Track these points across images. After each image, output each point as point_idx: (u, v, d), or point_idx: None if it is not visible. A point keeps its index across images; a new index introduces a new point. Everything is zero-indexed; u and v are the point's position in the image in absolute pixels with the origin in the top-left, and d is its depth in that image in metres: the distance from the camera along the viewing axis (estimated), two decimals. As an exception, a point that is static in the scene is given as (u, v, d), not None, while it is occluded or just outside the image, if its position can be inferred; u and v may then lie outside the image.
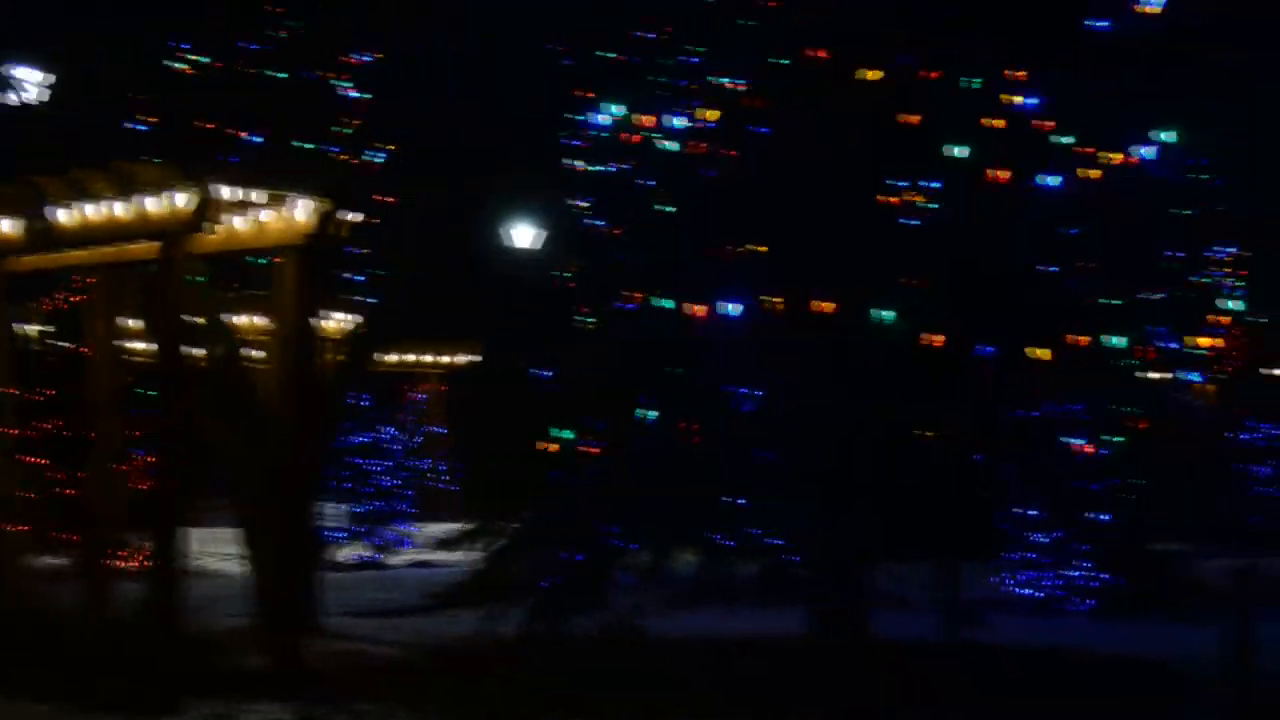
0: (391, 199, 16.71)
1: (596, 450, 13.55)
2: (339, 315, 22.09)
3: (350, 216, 15.90)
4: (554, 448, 13.51)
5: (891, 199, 13.13)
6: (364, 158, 16.26)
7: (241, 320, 19.82)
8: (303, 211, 15.04)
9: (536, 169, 16.19)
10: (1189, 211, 14.02)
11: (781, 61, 13.67)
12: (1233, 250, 14.48)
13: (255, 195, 14.98)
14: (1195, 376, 14.16)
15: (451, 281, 20.38)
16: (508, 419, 14.78)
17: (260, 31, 16.35)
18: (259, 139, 15.45)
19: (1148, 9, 13.51)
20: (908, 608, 13.67)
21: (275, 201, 15.08)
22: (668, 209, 13.81)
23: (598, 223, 14.31)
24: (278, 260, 15.66)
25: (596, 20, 14.61)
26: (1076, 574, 17.72)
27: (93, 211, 15.43)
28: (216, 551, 24.15)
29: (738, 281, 13.25)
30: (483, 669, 13.34)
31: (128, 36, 17.07)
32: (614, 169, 14.17)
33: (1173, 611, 13.36)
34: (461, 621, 14.92)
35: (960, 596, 13.00)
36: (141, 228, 15.03)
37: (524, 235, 25.81)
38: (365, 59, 16.22)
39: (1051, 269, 13.48)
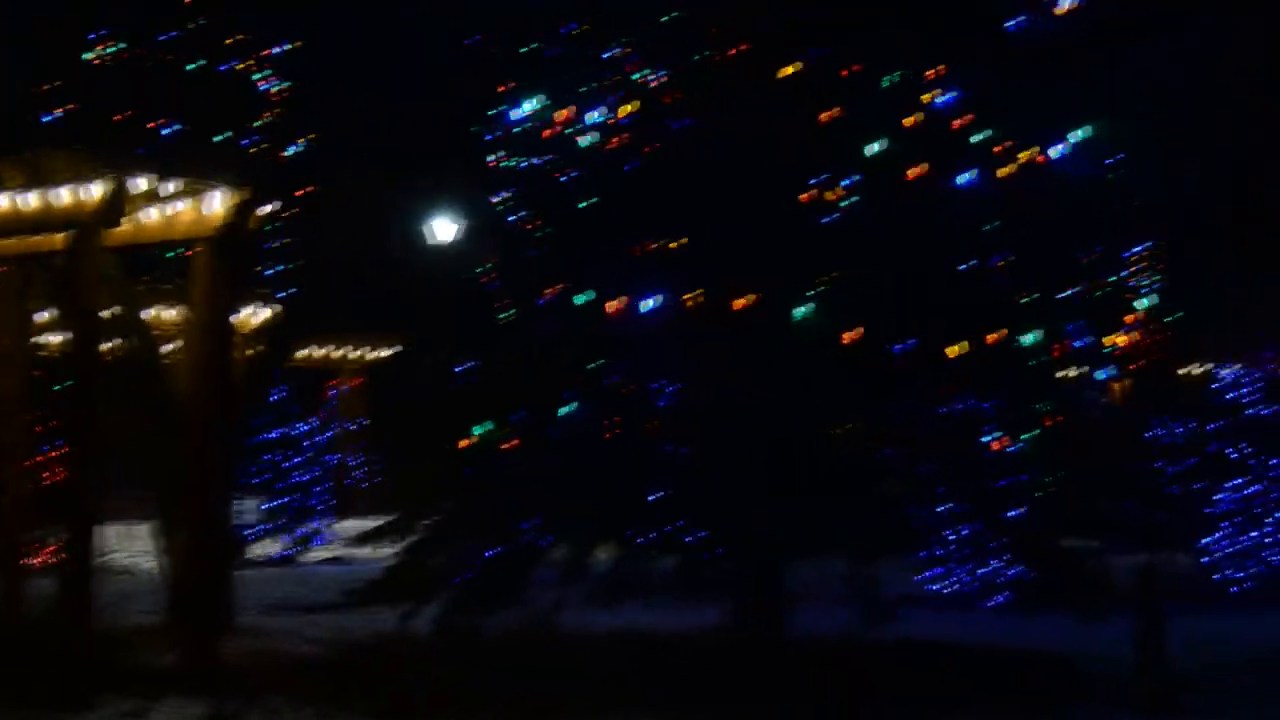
0: (309, 191, 16.59)
1: (515, 445, 13.52)
2: (255, 308, 21.94)
3: (265, 208, 15.79)
4: (470, 443, 13.47)
5: (810, 195, 13.18)
6: (281, 150, 16.12)
7: (155, 313, 19.62)
8: (217, 203, 14.92)
9: (457, 162, 16.12)
10: (1103, 209, 14.18)
11: (702, 55, 13.70)
12: (1146, 247, 14.66)
13: (170, 186, 14.83)
14: (1108, 374, 14.33)
15: (370, 275, 20.26)
16: (426, 413, 14.71)
17: (177, 20, 16.17)
18: (174, 130, 15.29)
19: (1063, 7, 13.64)
20: (826, 603, 13.75)
21: (190, 193, 14.95)
22: (586, 203, 13.80)
23: (518, 217, 14.27)
24: (192, 252, 15.51)
25: (516, 13, 14.56)
26: (990, 570, 17.87)
27: (3, 201, 15.21)
28: (130, 547, 23.94)
29: (657, 276, 13.26)
30: (399, 666, 13.28)
31: (41, 24, 16.84)
32: (534, 163, 14.14)
33: (1083, 607, 13.49)
34: (378, 618, 14.85)
35: (878, 592, 13.07)
36: (54, 219, 14.83)
37: (444, 229, 25.71)
38: (283, 50, 16.08)
39: (968, 265, 13.58)
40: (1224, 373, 22.35)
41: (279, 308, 18.64)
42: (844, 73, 13.43)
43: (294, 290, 18.01)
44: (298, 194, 16.57)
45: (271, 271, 19.36)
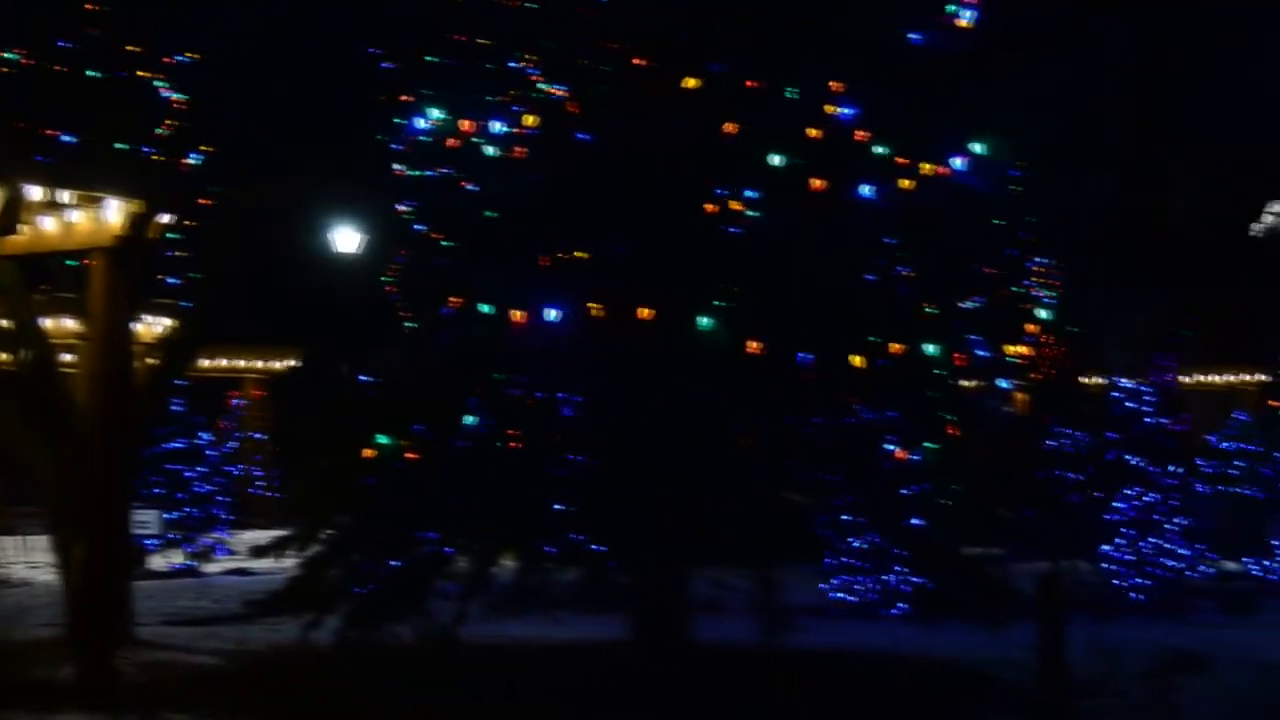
0: (209, 201, 16.42)
1: (416, 456, 13.46)
2: (155, 319, 21.67)
3: (165, 218, 15.62)
4: (372, 453, 13.39)
5: (714, 206, 13.22)
6: (181, 159, 15.94)
7: (54, 322, 19.36)
8: (114, 213, 14.75)
9: (361, 172, 16.02)
10: (1000, 221, 14.33)
11: (604, 67, 13.71)
12: (1044, 261, 14.84)
13: (66, 196, 14.65)
14: (1007, 384, 14.48)
15: (272, 285, 20.10)
16: (326, 424, 14.61)
17: (75, 29, 15.95)
18: (71, 138, 15.08)
19: (959, 23, 13.79)
20: (728, 613, 13.79)
21: (87, 202, 14.78)
22: (489, 214, 13.76)
23: (420, 227, 14.21)
24: (90, 262, 15.33)
25: (420, 24, 14.49)
26: (892, 579, 18.03)
27: (-105, 211, 14.93)
28: (26, 560, 23.63)
29: (561, 287, 13.24)
30: (299, 677, 13.18)
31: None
32: (438, 173, 14.08)
33: (985, 615, 13.62)
34: (280, 630, 14.74)
35: (780, 602, 13.12)
36: (-53, 227, 14.60)
37: (348, 239, 25.56)
38: (184, 59, 15.91)
39: (871, 277, 13.68)
40: (1123, 383, 22.67)
41: (180, 318, 18.41)
42: (747, 84, 13.49)
43: (195, 300, 17.79)
44: (199, 203, 16.38)
45: (173, 281, 19.11)
